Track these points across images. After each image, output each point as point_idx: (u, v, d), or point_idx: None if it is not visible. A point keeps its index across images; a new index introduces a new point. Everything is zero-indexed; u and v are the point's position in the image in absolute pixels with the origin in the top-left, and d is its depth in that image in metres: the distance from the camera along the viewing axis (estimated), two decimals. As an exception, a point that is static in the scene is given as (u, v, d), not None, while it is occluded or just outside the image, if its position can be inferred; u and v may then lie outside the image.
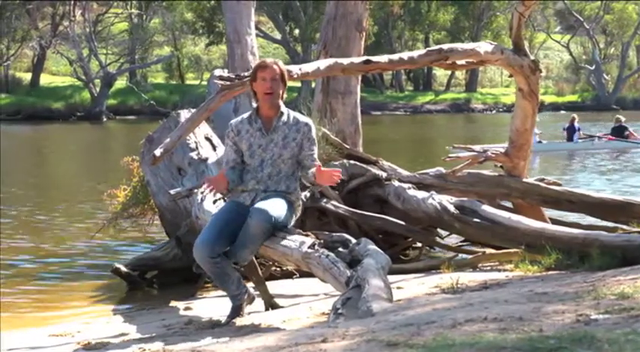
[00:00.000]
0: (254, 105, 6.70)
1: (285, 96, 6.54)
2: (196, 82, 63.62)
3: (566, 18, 75.21)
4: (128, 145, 22.29)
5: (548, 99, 65.97)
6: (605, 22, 71.16)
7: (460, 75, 72.82)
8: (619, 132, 27.27)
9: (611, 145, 26.70)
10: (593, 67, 68.35)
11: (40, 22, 60.81)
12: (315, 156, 6.54)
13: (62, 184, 20.39)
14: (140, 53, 62.19)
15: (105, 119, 53.62)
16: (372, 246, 5.92)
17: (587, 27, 68.54)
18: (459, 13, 68.72)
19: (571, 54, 72.31)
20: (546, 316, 3.21)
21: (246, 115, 6.65)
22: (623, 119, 28.06)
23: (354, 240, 6.22)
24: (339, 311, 4.63)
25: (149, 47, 63.56)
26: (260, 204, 6.29)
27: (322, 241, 6.14)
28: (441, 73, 71.98)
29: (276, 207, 6.28)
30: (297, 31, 65.60)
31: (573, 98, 68.04)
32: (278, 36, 66.62)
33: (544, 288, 4.30)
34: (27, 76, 61.45)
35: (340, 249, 6.02)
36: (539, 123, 27.70)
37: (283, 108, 6.53)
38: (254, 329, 5.81)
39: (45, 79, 61.61)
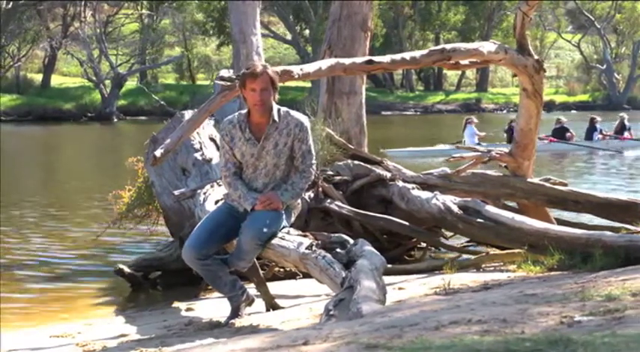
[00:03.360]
0: None
1: (277, 97, 6.34)
2: (207, 83, 63.58)
3: (577, 17, 75.03)
4: (138, 146, 22.31)
5: (559, 98, 65.84)
6: (616, 21, 70.93)
7: (471, 75, 72.71)
8: (560, 133, 26.40)
9: (552, 147, 25.97)
10: (604, 66, 68.17)
11: (51, 23, 60.93)
12: (308, 155, 6.38)
13: (70, 185, 20.40)
14: (150, 54, 62.20)
15: (115, 120, 53.68)
16: (368, 247, 5.89)
17: (598, 26, 68.34)
18: (470, 12, 68.61)
19: (582, 53, 72.14)
20: (530, 318, 3.19)
21: (237, 117, 6.45)
22: (564, 120, 27.27)
23: (352, 241, 6.19)
24: (331, 312, 4.61)
25: (160, 48, 63.57)
26: (252, 220, 6.19)
27: (320, 242, 6.12)
28: (451, 73, 71.81)
29: (268, 221, 6.18)
30: (307, 32, 65.61)
31: (584, 98, 67.82)
32: (289, 36, 66.65)
33: (534, 290, 4.26)
34: (38, 77, 61.61)
35: (338, 250, 5.99)
36: (549, 123, 27.65)
37: (275, 111, 6.32)
38: (252, 330, 5.80)
39: (56, 80, 61.75)
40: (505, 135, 26.62)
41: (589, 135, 27.31)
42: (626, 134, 27.99)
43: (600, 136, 27.51)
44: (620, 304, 3.36)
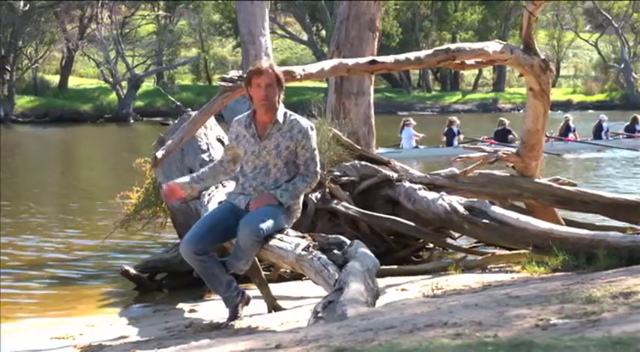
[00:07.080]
0: None
1: (282, 97, 6.39)
2: (223, 84, 63.40)
3: (595, 16, 74.75)
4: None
5: (577, 98, 65.58)
6: (634, 20, 70.60)
7: (488, 74, 72.46)
8: (502, 135, 25.57)
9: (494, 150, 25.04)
10: (622, 65, 67.82)
11: (68, 24, 61.05)
12: (312, 162, 6.42)
13: (82, 186, 20.45)
14: (167, 55, 62.27)
15: (132, 121, 53.70)
16: (362, 249, 5.85)
17: (616, 25, 68.05)
18: (487, 12, 68.41)
19: (600, 53, 71.83)
20: (507, 321, 3.15)
21: (244, 116, 6.57)
22: (507, 122, 26.33)
23: (349, 242, 6.16)
24: (319, 314, 4.57)
25: (176, 49, 63.64)
26: (250, 217, 6.20)
27: (317, 243, 6.08)
28: (468, 73, 71.58)
29: (265, 218, 6.17)
30: (323, 32, 65.58)
31: (602, 97, 67.46)
32: (305, 37, 66.65)
33: (520, 292, 4.22)
34: (55, 79, 61.73)
35: (335, 251, 5.96)
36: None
37: (280, 113, 6.38)
38: (250, 332, 5.78)
39: (73, 82, 61.90)
40: (445, 137, 26.33)
41: None
42: (570, 136, 27.57)
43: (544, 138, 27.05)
44: (597, 307, 3.32)
